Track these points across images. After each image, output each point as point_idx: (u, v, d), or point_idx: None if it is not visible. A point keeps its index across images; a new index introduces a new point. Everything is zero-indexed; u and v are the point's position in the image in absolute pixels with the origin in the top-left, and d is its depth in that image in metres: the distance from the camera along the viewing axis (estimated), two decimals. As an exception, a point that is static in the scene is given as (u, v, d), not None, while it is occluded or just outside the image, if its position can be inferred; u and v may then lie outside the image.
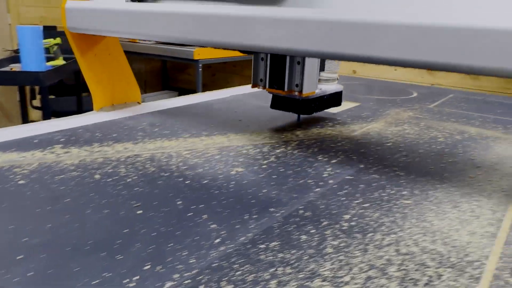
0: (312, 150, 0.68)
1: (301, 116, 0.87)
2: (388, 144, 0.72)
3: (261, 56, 0.77)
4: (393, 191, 0.53)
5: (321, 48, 0.50)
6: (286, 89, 0.75)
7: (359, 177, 0.57)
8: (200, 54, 2.43)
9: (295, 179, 0.56)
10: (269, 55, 0.77)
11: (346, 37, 0.48)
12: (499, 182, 0.58)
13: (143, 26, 0.69)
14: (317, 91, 0.78)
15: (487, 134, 0.82)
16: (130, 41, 2.63)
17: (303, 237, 0.41)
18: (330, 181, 0.55)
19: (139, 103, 0.94)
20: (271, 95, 0.80)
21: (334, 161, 0.63)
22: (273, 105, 0.81)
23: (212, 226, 0.43)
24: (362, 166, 0.62)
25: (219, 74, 3.47)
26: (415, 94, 1.23)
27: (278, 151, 0.66)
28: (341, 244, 0.40)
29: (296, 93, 0.74)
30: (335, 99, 0.86)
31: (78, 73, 2.11)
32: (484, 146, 0.74)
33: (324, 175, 0.57)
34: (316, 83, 0.78)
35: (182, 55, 2.46)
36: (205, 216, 0.45)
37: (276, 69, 0.75)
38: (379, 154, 0.67)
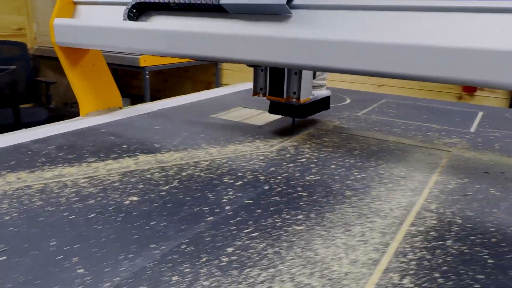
0: (221, 170, 0.66)
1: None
2: (302, 160, 0.71)
3: (260, 67, 0.88)
4: (289, 216, 0.52)
5: (314, 63, 0.59)
6: (285, 96, 0.85)
7: (259, 201, 0.56)
8: (146, 61, 2.38)
9: (191, 207, 0.54)
10: (268, 67, 0.86)
11: (337, 53, 0.56)
12: (400, 199, 0.58)
13: (124, 41, 0.78)
14: (310, 97, 0.89)
15: (405, 143, 0.82)
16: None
17: (175, 278, 0.39)
18: (227, 207, 0.54)
19: (120, 107, 1.05)
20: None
21: (239, 183, 0.61)
22: (271, 110, 0.90)
23: (79, 271, 0.40)
24: (266, 187, 0.60)
25: (171, 80, 3.41)
26: (347, 101, 1.24)
27: (184, 173, 0.64)
28: (212, 285, 0.38)
29: (294, 100, 0.85)
30: (325, 103, 0.96)
31: (14, 84, 2.02)
32: (397, 158, 0.74)
33: (223, 201, 0.55)
34: (311, 90, 0.88)
35: (128, 62, 2.40)
36: (75, 259, 0.42)
37: (276, 79, 0.86)
38: (288, 173, 0.66)
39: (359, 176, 0.65)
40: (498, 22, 0.48)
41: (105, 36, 0.80)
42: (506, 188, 0.62)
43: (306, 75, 0.85)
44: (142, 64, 2.34)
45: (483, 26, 0.49)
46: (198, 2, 0.72)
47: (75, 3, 0.91)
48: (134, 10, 0.81)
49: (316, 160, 0.71)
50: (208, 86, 3.13)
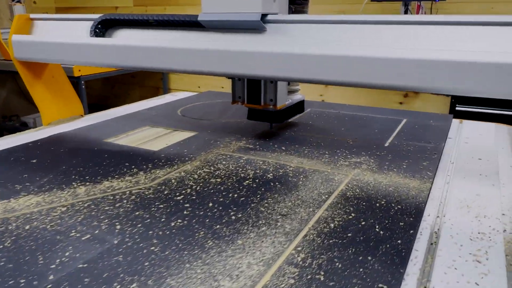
0: (76, 218, 0.57)
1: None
2: (178, 198, 0.63)
3: (238, 77, 0.92)
4: (120, 285, 0.43)
5: (285, 75, 0.68)
6: (262, 103, 0.92)
7: (97, 265, 0.47)
8: (81, 71, 2.25)
9: (12, 277, 0.44)
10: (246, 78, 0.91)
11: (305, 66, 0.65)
12: (266, 249, 0.50)
13: (92, 56, 0.86)
14: (286, 102, 0.95)
15: (305, 167, 0.75)
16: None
17: None
18: (51, 277, 0.45)
19: (82, 115, 1.13)
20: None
21: (87, 236, 0.53)
22: (250, 117, 0.95)
23: None
24: (116, 241, 0.52)
25: (119, 86, 3.28)
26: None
27: (27, 227, 0.55)
28: None
29: (271, 107, 0.91)
30: (299, 107, 1.03)
31: None
32: (289, 188, 0.67)
33: (51, 267, 0.47)
34: (286, 96, 0.95)
35: (61, 73, 2.26)
36: None
37: (253, 87, 0.92)
38: (153, 217, 0.57)
39: (233, 217, 0.57)
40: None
41: (71, 51, 0.87)
42: (394, 223, 0.56)
43: (281, 83, 0.91)
44: (76, 74, 2.21)
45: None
46: (177, 18, 0.80)
47: (32, 19, 0.98)
48: (100, 26, 0.88)
49: (195, 197, 0.63)
50: (155, 91, 3.01)
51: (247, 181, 0.69)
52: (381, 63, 0.58)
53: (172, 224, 0.55)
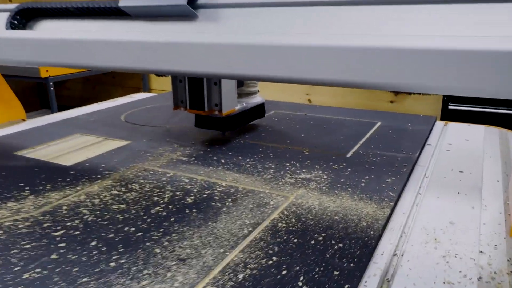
0: None
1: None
2: (57, 234, 0.48)
3: (178, 78, 0.79)
4: None
5: (223, 70, 0.50)
6: (206, 109, 0.77)
7: None
8: (49, 71, 2.10)
9: None
10: (186, 77, 0.78)
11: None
12: (132, 318, 0.35)
13: (6, 53, 0.70)
14: (238, 106, 0.81)
15: (238, 187, 0.60)
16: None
17: None
18: None
19: (24, 120, 1.01)
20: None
21: None
22: (197, 124, 0.83)
23: None
24: None
25: (100, 87, 3.14)
26: None
27: None
28: None
29: (217, 112, 0.77)
30: (257, 111, 0.89)
31: None
32: (209, 216, 0.52)
33: None
34: (235, 100, 0.80)
35: (28, 74, 2.13)
36: None
37: (195, 90, 0.77)
38: (9, 263, 0.43)
39: (113, 263, 0.43)
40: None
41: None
42: (326, 272, 0.41)
43: (228, 84, 0.77)
44: (43, 75, 2.07)
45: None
46: (96, 5, 0.67)
47: None
48: (18, 17, 0.75)
49: (79, 232, 0.49)
50: (137, 92, 2.87)
51: (157, 208, 0.54)
52: (328, 52, 0.44)
53: (25, 275, 0.41)
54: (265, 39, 0.47)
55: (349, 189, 0.59)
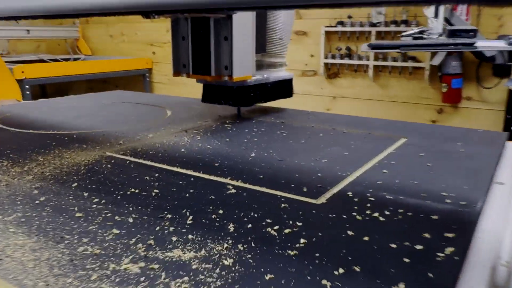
0: None
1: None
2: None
3: (181, 34, 0.64)
4: None
5: None
6: (213, 73, 0.62)
7: None
8: (25, 73, 1.91)
9: None
10: (190, 32, 0.61)
11: None
12: None
13: None
14: (257, 77, 0.67)
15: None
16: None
17: None
18: None
19: (18, 100, 1.05)
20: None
21: None
22: (205, 98, 0.70)
23: None
24: None
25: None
26: (168, 114, 0.92)
27: None
28: None
29: (226, 78, 0.62)
30: (283, 88, 0.74)
31: None
32: None
33: None
34: (253, 65, 0.66)
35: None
36: None
37: (200, 48, 0.61)
38: None
39: None
40: None
41: None
42: None
43: (242, 42, 0.61)
44: (18, 77, 1.87)
45: None
46: None
47: None
48: None
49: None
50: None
51: None
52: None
53: None
54: None
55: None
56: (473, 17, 1.88)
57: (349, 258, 0.39)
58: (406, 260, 0.38)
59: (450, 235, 0.43)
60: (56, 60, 2.63)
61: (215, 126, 0.90)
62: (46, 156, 0.69)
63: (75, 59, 2.91)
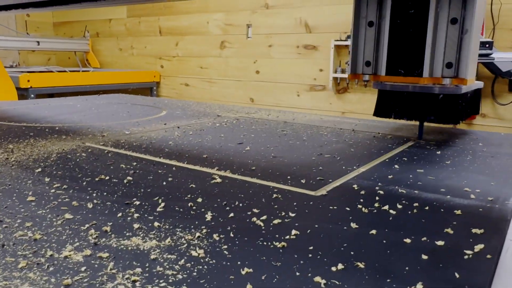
0: None
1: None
2: None
3: (368, 18, 0.45)
4: None
5: None
6: (427, 74, 0.45)
7: None
8: (30, 81, 1.90)
9: None
10: (387, 15, 0.43)
11: None
12: None
13: None
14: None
15: None
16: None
17: None
18: None
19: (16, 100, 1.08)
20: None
21: None
22: (381, 109, 0.54)
23: None
24: None
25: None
26: (163, 113, 0.86)
27: None
28: None
29: (447, 81, 0.44)
30: (474, 101, 0.59)
31: None
32: None
33: None
34: (476, 64, 0.47)
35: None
36: None
37: (404, 37, 0.43)
38: None
39: None
40: None
41: None
42: None
43: (477, 30, 0.43)
44: (24, 85, 1.86)
45: None
46: None
47: None
48: None
49: None
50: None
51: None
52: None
53: None
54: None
55: None
56: (488, 30, 1.80)
57: (351, 252, 0.31)
58: (424, 257, 0.30)
59: (478, 231, 0.34)
60: (64, 72, 2.60)
61: (211, 124, 0.83)
62: (18, 144, 0.62)
63: (83, 72, 2.88)
